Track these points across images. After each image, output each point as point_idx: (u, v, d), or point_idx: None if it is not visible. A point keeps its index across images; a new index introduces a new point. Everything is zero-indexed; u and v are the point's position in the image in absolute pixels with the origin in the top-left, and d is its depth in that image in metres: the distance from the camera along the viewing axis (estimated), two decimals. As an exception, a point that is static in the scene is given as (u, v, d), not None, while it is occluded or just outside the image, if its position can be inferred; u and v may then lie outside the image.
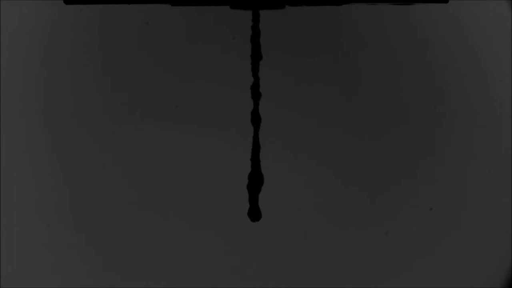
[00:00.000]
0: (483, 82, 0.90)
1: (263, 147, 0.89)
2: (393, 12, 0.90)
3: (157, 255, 0.89)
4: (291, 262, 0.89)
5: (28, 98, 0.89)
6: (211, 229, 0.89)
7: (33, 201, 0.88)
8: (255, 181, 0.74)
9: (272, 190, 0.89)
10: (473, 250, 0.89)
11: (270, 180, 0.89)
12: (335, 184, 0.89)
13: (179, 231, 0.89)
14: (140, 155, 0.89)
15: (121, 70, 0.89)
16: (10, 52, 0.89)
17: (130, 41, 0.89)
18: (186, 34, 0.89)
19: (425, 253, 0.89)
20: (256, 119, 0.72)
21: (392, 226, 0.89)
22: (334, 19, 0.90)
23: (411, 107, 0.90)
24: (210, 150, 0.89)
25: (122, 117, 0.89)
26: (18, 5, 0.88)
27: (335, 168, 0.89)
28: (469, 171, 0.90)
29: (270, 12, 0.84)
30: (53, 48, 0.89)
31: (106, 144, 0.89)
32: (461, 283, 0.89)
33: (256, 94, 0.72)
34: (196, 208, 0.89)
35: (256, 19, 0.81)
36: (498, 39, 0.90)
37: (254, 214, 0.73)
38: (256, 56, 0.71)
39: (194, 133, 0.89)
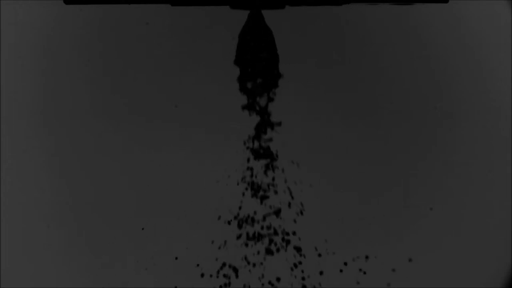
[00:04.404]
0: (483, 82, 0.90)
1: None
2: (393, 12, 0.90)
3: (158, 255, 0.89)
4: (289, 263, 0.89)
5: (28, 98, 0.89)
6: (212, 229, 0.89)
7: (33, 201, 0.88)
8: None
9: (272, 190, 0.89)
10: (473, 250, 0.89)
11: (270, 181, 0.89)
12: (335, 184, 0.89)
13: (180, 231, 0.89)
14: (140, 155, 0.89)
15: (121, 70, 0.89)
16: (10, 52, 0.89)
17: (130, 41, 0.89)
18: (186, 34, 0.89)
19: (425, 253, 0.89)
20: None
21: (392, 226, 0.89)
22: (334, 19, 0.90)
23: (411, 107, 0.90)
24: (210, 150, 0.89)
25: (122, 117, 0.89)
26: (18, 5, 0.88)
27: (334, 168, 0.89)
28: (469, 171, 0.90)
29: (270, 12, 0.84)
30: (53, 48, 0.89)
31: (106, 144, 0.89)
32: (461, 283, 0.89)
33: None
34: (197, 208, 0.89)
35: (256, 19, 0.81)
36: (498, 39, 0.90)
37: None
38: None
39: (194, 133, 0.89)
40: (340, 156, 0.89)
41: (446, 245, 0.90)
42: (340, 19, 0.89)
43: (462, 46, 0.90)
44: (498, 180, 0.90)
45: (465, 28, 0.90)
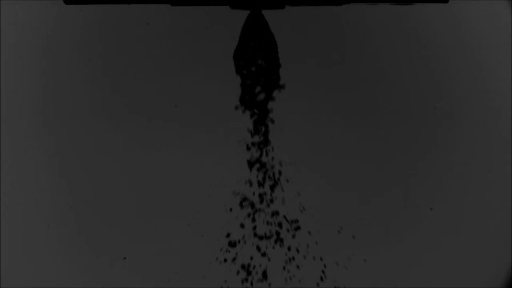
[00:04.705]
0: (483, 82, 0.90)
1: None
2: (393, 12, 0.90)
3: (158, 255, 0.89)
4: (290, 263, 0.89)
5: (28, 98, 0.89)
6: (212, 229, 0.89)
7: (33, 201, 0.88)
8: None
9: (272, 190, 0.89)
10: (473, 250, 0.89)
11: (270, 181, 0.89)
12: (335, 184, 0.89)
13: (180, 231, 0.89)
14: (140, 155, 0.89)
15: (121, 70, 0.89)
16: (10, 52, 0.89)
17: (130, 41, 0.89)
18: (186, 34, 0.89)
19: (425, 253, 0.89)
20: None
21: (392, 226, 0.89)
22: (334, 19, 0.90)
23: (411, 107, 0.90)
24: (210, 150, 0.89)
25: (122, 117, 0.89)
26: (18, 5, 0.88)
27: (334, 168, 0.89)
28: (469, 171, 0.90)
29: (270, 12, 0.84)
30: (53, 48, 0.89)
31: (106, 144, 0.89)
32: (461, 283, 0.89)
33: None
34: (197, 208, 0.89)
35: (255, 19, 0.81)
36: (498, 39, 0.90)
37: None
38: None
39: (194, 133, 0.89)
40: (340, 156, 0.89)
41: (446, 245, 0.90)
42: (340, 19, 0.89)
43: (462, 46, 0.90)
44: (498, 180, 0.90)
45: (465, 28, 0.90)
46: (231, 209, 0.89)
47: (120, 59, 0.89)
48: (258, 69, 0.83)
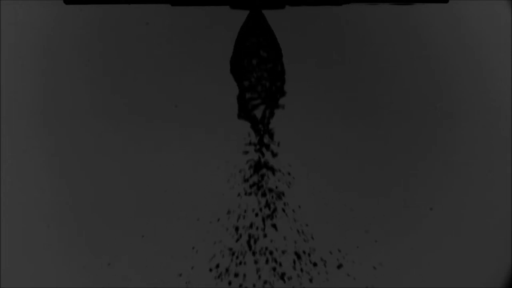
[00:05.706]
0: (483, 82, 0.90)
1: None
2: (393, 12, 0.90)
3: (158, 255, 0.89)
4: (290, 263, 0.89)
5: (28, 98, 0.89)
6: (212, 229, 0.89)
7: (33, 201, 0.88)
8: None
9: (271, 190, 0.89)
10: (473, 250, 0.89)
11: (269, 181, 0.89)
12: (334, 184, 0.89)
13: (180, 231, 0.89)
14: (140, 155, 0.89)
15: (121, 70, 0.89)
16: (9, 52, 0.89)
17: (130, 41, 0.89)
18: (186, 34, 0.89)
19: (425, 253, 0.89)
20: None
21: (392, 226, 0.89)
22: (334, 19, 0.90)
23: (411, 107, 0.90)
24: (210, 150, 0.89)
25: (122, 117, 0.89)
26: (18, 5, 0.88)
27: (334, 168, 0.89)
28: (469, 171, 0.90)
29: (270, 12, 0.84)
30: (53, 48, 0.89)
31: (106, 144, 0.89)
32: (461, 283, 0.89)
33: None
34: (197, 208, 0.89)
35: (255, 19, 0.81)
36: (498, 39, 0.90)
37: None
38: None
39: (194, 133, 0.89)
40: (340, 156, 0.90)
41: (446, 245, 0.90)
42: (340, 19, 0.89)
43: (462, 46, 0.90)
44: (498, 180, 0.90)
45: (465, 28, 0.90)
46: (233, 208, 0.89)
47: (120, 59, 0.89)
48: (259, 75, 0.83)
